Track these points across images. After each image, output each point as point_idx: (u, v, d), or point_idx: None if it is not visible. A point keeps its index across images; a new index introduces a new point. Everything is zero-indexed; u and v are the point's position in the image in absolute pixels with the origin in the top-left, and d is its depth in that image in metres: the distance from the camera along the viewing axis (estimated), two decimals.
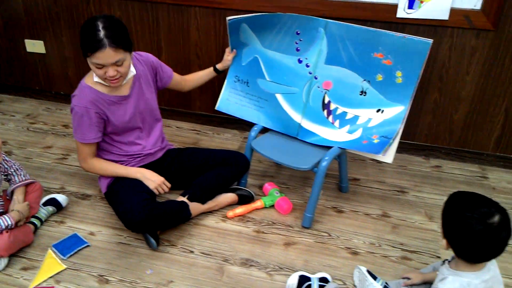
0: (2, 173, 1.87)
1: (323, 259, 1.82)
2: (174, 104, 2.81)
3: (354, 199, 2.17)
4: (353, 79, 1.91)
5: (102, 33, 1.64)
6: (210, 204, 2.03)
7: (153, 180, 1.93)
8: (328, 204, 2.13)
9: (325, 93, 1.97)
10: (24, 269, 1.77)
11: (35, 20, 2.77)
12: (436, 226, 2.01)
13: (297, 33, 1.93)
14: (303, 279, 1.61)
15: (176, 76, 2.13)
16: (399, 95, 1.85)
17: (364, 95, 1.91)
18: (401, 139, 2.44)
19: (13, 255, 1.81)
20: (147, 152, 2.03)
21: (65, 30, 2.76)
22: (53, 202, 2.04)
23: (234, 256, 1.83)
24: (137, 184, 1.91)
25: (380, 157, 1.90)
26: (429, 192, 2.22)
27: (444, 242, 1.29)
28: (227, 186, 2.09)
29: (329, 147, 1.95)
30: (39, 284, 1.69)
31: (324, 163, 1.89)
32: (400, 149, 2.51)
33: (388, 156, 1.91)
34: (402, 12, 2.12)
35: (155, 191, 1.93)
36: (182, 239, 1.91)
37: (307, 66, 1.97)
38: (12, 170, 1.91)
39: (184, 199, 1.96)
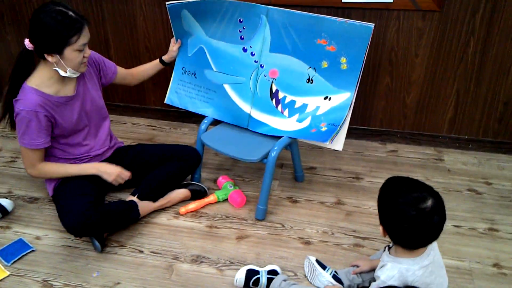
0: None
1: (275, 251, 1.80)
2: (129, 100, 2.74)
3: (310, 188, 2.15)
4: (299, 67, 1.88)
5: (73, 14, 1.61)
6: (161, 202, 1.98)
7: (108, 172, 1.86)
8: (283, 195, 2.11)
9: (272, 81, 1.94)
10: None
11: None
12: None
13: (240, 21, 1.89)
14: (251, 273, 1.59)
15: (121, 71, 2.06)
16: (345, 81, 1.83)
17: (311, 83, 1.88)
18: (357, 125, 2.47)
19: None
20: (95, 153, 1.96)
21: (9, 27, 2.65)
22: None
23: (184, 254, 1.79)
24: (83, 185, 1.85)
25: (329, 145, 1.88)
26: (383, 178, 2.15)
27: (380, 228, 1.28)
28: (179, 182, 2.05)
29: (279, 137, 1.92)
30: None
31: (273, 154, 1.86)
32: (357, 135, 2.51)
33: (337, 144, 1.89)
34: None
35: (114, 183, 1.87)
36: (131, 239, 1.86)
37: (252, 54, 1.92)
38: None
39: (134, 198, 1.91)
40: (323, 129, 1.87)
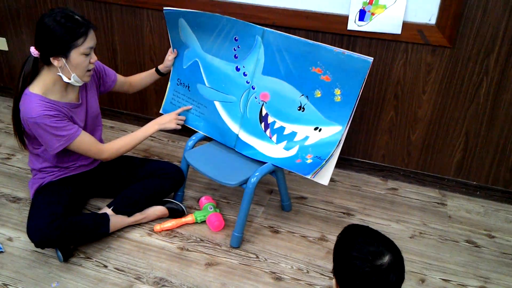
0: None
1: (242, 283, 1.70)
2: (132, 108, 2.73)
3: (295, 219, 2.05)
4: (291, 93, 1.79)
5: (79, 18, 1.61)
6: (137, 217, 1.93)
7: (167, 121, 1.95)
8: (265, 223, 2.01)
9: (263, 104, 1.86)
10: None
11: None
12: None
13: (235, 39, 1.83)
14: None
15: (120, 79, 2.04)
16: (338, 114, 1.73)
17: (303, 111, 1.80)
18: (358, 157, 2.35)
19: None
20: (81, 163, 1.92)
21: (25, 27, 2.71)
22: None
23: (148, 274, 1.72)
24: (60, 193, 1.81)
25: (312, 178, 1.78)
26: (376, 217, 2.08)
27: (333, 281, 1.16)
28: (158, 199, 1.99)
29: (264, 163, 1.84)
30: None
31: (252, 180, 1.77)
32: (358, 168, 2.38)
33: (323, 178, 1.79)
34: (353, 24, 2.00)
35: (178, 127, 1.97)
36: (99, 252, 1.81)
37: (245, 74, 1.86)
38: None
39: (109, 210, 1.87)
40: (308, 161, 1.77)
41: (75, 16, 1.61)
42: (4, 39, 2.81)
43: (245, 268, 1.76)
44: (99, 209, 1.97)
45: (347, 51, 1.62)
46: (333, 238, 1.94)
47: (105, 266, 1.75)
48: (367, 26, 1.98)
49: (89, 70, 1.70)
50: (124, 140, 1.88)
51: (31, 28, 2.69)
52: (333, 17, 2.02)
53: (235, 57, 1.86)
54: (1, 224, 1.94)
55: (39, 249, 1.80)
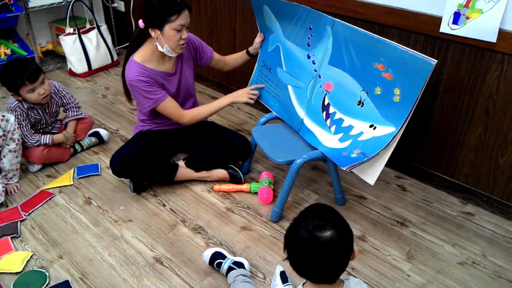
0: (59, 106, 2.39)
1: (264, 251, 1.82)
2: (217, 77, 3.05)
3: (343, 213, 1.99)
4: (352, 86, 1.82)
5: None
6: (202, 174, 2.20)
7: (240, 95, 2.15)
8: None
9: (326, 94, 1.92)
10: (48, 176, 2.27)
11: None
12: (408, 268, 1.77)
13: (310, 28, 1.93)
14: (216, 256, 1.67)
15: (216, 56, 2.32)
16: (394, 114, 1.69)
17: (361, 106, 1.80)
18: (439, 172, 2.21)
19: (47, 164, 2.32)
20: (171, 121, 2.22)
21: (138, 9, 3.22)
22: (97, 134, 2.51)
23: (192, 221, 1.98)
24: (146, 139, 2.18)
25: (358, 174, 1.77)
26: (431, 234, 1.95)
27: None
28: (224, 164, 2.22)
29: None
30: (47, 189, 2.15)
31: (298, 161, 1.86)
32: (438, 184, 2.23)
33: (370, 177, 1.78)
34: (446, 27, 1.88)
35: (250, 101, 2.15)
36: (165, 194, 2.14)
37: (314, 63, 1.94)
38: (69, 107, 2.42)
39: (181, 163, 2.18)
40: (353, 155, 1.78)
41: None
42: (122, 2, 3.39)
43: (273, 241, 1.88)
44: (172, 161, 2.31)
45: (411, 50, 1.57)
46: (373, 241, 1.90)
47: (164, 205, 2.07)
48: (461, 31, 1.85)
49: (181, 44, 1.99)
50: (201, 109, 2.17)
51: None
52: (426, 17, 1.94)
53: (308, 45, 1.96)
54: (108, 156, 2.42)
55: (122, 179, 2.21)
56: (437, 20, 1.91)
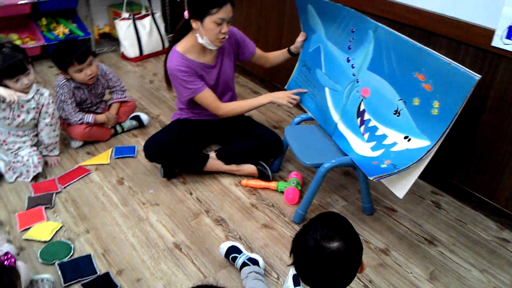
0: (105, 88, 2.49)
1: (282, 251, 1.81)
2: (261, 72, 3.05)
3: (369, 223, 2.00)
4: (390, 94, 1.76)
5: None
6: (232, 167, 2.22)
7: (280, 97, 2.11)
8: None
9: (362, 100, 1.87)
10: (88, 153, 2.38)
11: None
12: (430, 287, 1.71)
13: (352, 31, 1.88)
14: (232, 250, 1.69)
15: (258, 52, 2.32)
16: (431, 128, 1.62)
17: (398, 116, 1.74)
18: (478, 192, 2.10)
19: (88, 142, 2.43)
20: (208, 112, 2.25)
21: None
22: (138, 118, 2.59)
23: (215, 212, 2.00)
24: (181, 128, 2.23)
25: (387, 185, 1.72)
26: (460, 257, 1.85)
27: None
28: (254, 159, 2.22)
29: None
30: (85, 165, 2.26)
31: (326, 165, 1.84)
32: (475, 205, 2.12)
33: (399, 190, 1.72)
34: (499, 41, 1.77)
35: (289, 105, 2.10)
36: (193, 183, 2.18)
37: (353, 67, 1.90)
38: (115, 90, 2.52)
39: (213, 154, 2.21)
40: (383, 165, 1.72)
41: None
42: None
43: None
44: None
45: (454, 62, 1.50)
46: (397, 256, 1.84)
47: (191, 193, 2.11)
48: None
49: (221, 38, 2.00)
50: (239, 103, 2.18)
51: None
52: (478, 28, 1.83)
53: (349, 48, 1.91)
54: (144, 138, 2.47)
55: (155, 163, 2.27)
56: (490, 33, 1.80)
